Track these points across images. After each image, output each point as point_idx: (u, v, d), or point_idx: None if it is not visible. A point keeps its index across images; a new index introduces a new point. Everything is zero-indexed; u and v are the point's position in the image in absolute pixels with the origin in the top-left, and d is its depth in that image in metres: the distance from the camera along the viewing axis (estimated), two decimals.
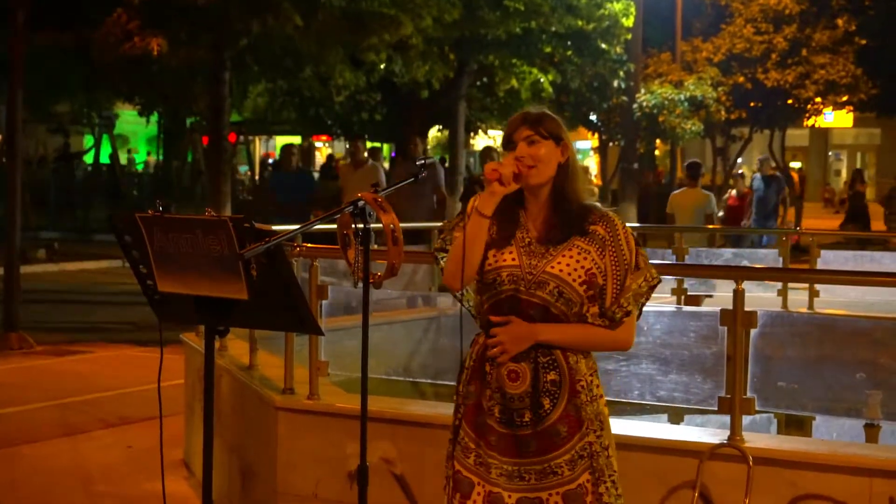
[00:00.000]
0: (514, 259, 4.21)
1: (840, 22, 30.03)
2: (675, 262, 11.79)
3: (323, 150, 53.21)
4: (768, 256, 13.69)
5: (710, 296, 12.78)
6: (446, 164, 26.00)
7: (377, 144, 42.09)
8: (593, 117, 30.16)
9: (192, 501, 7.78)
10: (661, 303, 11.87)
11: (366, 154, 16.68)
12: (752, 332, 5.74)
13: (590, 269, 4.17)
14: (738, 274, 6.46)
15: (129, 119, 44.03)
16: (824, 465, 5.36)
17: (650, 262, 4.24)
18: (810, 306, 11.71)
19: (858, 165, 58.21)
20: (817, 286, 11.63)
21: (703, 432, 5.96)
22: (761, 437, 5.91)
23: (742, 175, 25.91)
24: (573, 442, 4.16)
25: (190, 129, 39.83)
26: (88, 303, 18.95)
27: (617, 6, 23.83)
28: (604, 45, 24.78)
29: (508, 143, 4.29)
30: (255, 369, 7.52)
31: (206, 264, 4.24)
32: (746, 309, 5.72)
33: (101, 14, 17.17)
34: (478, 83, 26.58)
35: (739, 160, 36.16)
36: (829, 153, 61.63)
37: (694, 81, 28.03)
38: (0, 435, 9.74)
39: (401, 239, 4.18)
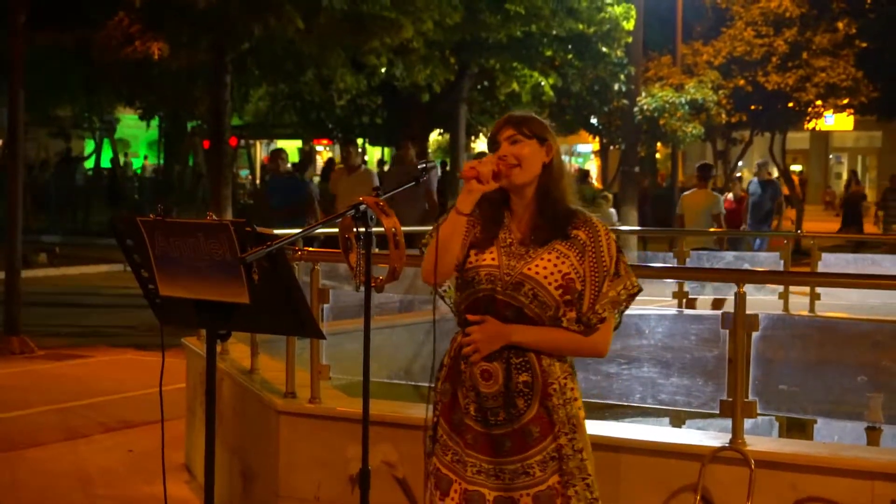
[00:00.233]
0: (493, 259, 4.23)
1: (840, 25, 30.01)
2: (676, 265, 11.81)
3: (324, 153, 53.26)
4: (769, 259, 13.69)
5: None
6: (447, 168, 26.01)
7: (378, 148, 42.17)
8: (594, 121, 30.15)
9: None
10: (662, 306, 11.87)
11: (359, 159, 16.62)
12: (754, 335, 5.73)
13: (567, 274, 4.17)
14: (739, 277, 6.45)
15: (129, 123, 44.10)
16: (826, 468, 5.36)
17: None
18: (811, 309, 11.71)
19: (859, 168, 58.29)
20: (818, 289, 11.63)
21: (704, 435, 5.95)
22: (763, 440, 5.91)
23: (739, 178, 25.93)
24: (545, 443, 4.18)
25: (191, 133, 39.88)
26: (89, 306, 18.96)
27: (617, 9, 23.83)
28: (604, 49, 24.80)
29: (493, 143, 4.31)
30: (256, 373, 7.52)
31: (207, 268, 4.24)
32: (748, 312, 5.72)
33: (101, 15, 17.17)
34: (479, 87, 26.59)
35: (740, 163, 36.17)
36: (830, 156, 61.62)
37: (694, 84, 28.01)
38: (1, 438, 9.73)
39: (402, 242, 4.18)
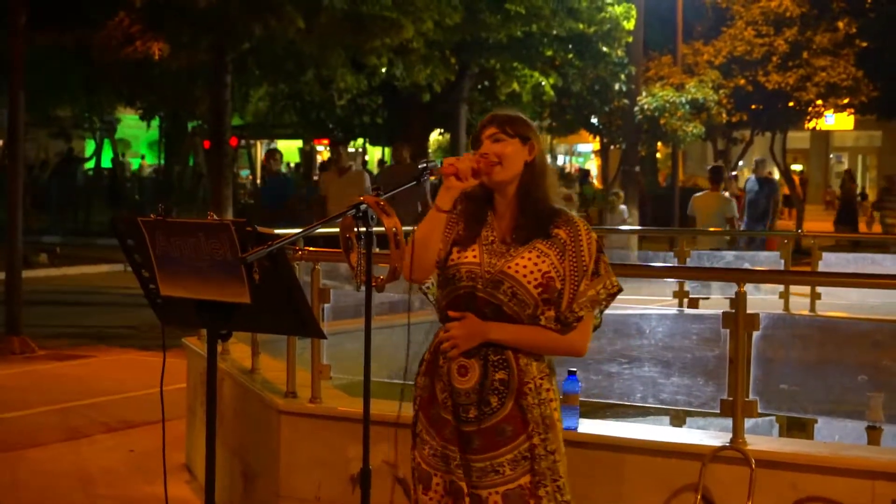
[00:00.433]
0: (475, 257, 4.26)
1: (841, 24, 30.00)
2: (676, 264, 11.81)
3: (324, 153, 53.23)
4: (770, 259, 13.70)
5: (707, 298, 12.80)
6: None
7: (378, 148, 42.17)
8: (594, 120, 30.14)
9: None
10: (663, 306, 11.88)
11: (349, 160, 16.50)
12: (755, 334, 5.73)
13: (547, 273, 4.19)
14: (739, 276, 6.45)
15: (130, 123, 44.11)
16: (826, 467, 5.36)
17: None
18: (812, 309, 11.71)
19: (859, 168, 58.31)
20: (819, 288, 11.63)
21: (705, 435, 5.95)
22: (763, 439, 5.91)
23: (735, 177, 25.94)
24: (517, 442, 4.19)
25: (191, 133, 39.88)
26: (90, 306, 18.96)
27: (618, 9, 23.84)
28: (605, 49, 24.81)
29: (476, 140, 4.34)
30: (257, 373, 7.52)
31: (208, 268, 4.25)
32: (748, 312, 5.72)
33: (100, 15, 17.17)
34: (479, 87, 26.59)
35: (741, 163, 36.17)
36: (831, 155, 61.61)
37: (695, 84, 28.01)
38: (2, 439, 9.74)
39: (403, 242, 4.19)
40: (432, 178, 4.28)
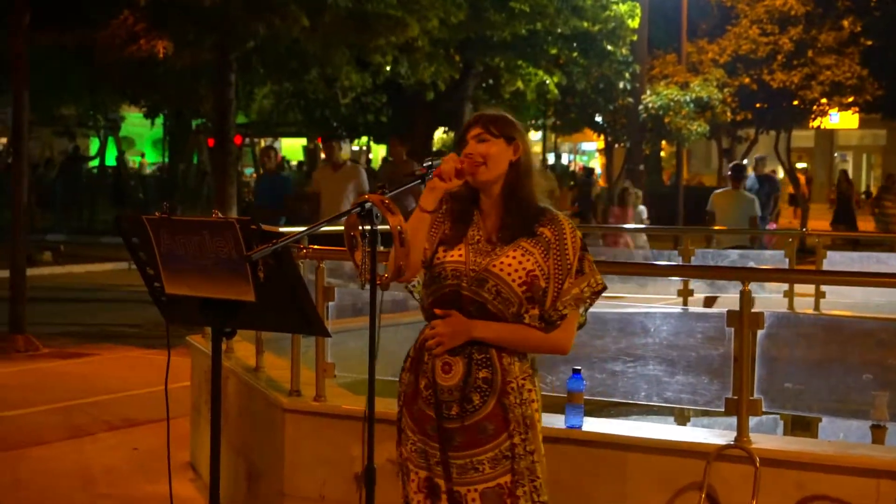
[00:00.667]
0: (461, 256, 4.29)
1: (846, 23, 30.01)
2: (681, 262, 11.80)
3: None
4: (774, 257, 13.68)
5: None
6: None
7: (382, 146, 42.14)
8: (599, 119, 30.18)
9: (198, 503, 7.78)
10: (667, 304, 11.86)
11: (343, 155, 16.31)
12: (759, 333, 5.73)
13: (531, 271, 4.22)
14: (744, 275, 6.45)
15: (134, 121, 44.14)
16: (831, 466, 5.35)
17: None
18: (816, 307, 11.69)
19: (864, 167, 58.26)
20: (823, 287, 11.61)
21: (709, 433, 5.95)
22: (768, 438, 5.90)
23: (730, 176, 25.90)
24: (498, 441, 4.22)
25: (195, 132, 39.86)
26: (94, 305, 18.96)
27: (622, 8, 23.85)
28: (609, 47, 24.82)
29: (461, 141, 4.36)
30: (261, 371, 7.52)
31: (213, 266, 4.25)
32: (753, 310, 5.71)
33: (102, 15, 17.18)
34: (483, 85, 26.59)
35: (745, 161, 36.13)
36: (835, 154, 61.57)
37: (699, 83, 28.02)
38: (5, 437, 9.74)
39: (408, 240, 4.19)
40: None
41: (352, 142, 43.89)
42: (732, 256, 13.59)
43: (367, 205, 4.14)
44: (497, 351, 4.23)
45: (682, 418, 8.37)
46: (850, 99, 31.01)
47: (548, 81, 24.55)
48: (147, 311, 12.03)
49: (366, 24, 17.74)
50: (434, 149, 33.77)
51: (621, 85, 26.68)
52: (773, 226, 20.15)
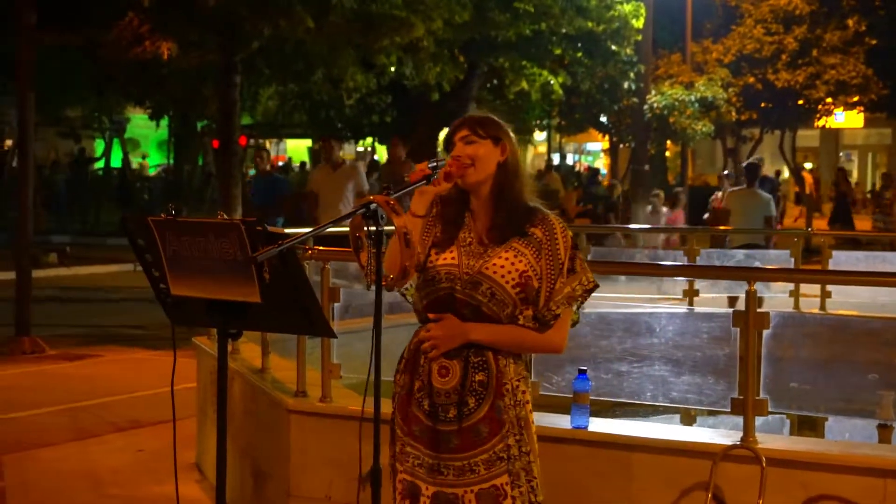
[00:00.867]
0: (453, 258, 4.29)
1: (850, 22, 30.01)
2: (686, 263, 11.80)
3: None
4: (780, 257, 13.68)
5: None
6: None
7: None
8: (604, 119, 30.20)
9: None
10: (673, 304, 11.86)
11: (341, 155, 16.18)
12: (765, 332, 5.73)
13: (525, 272, 4.23)
14: (749, 275, 6.44)
15: (139, 123, 44.10)
16: (837, 465, 5.35)
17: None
18: (822, 307, 11.69)
19: (869, 166, 58.18)
20: (829, 287, 11.61)
21: (715, 433, 5.95)
22: (774, 438, 5.90)
23: (727, 175, 25.95)
24: (493, 442, 4.22)
25: (200, 133, 39.88)
26: (100, 306, 18.97)
27: (627, 7, 23.83)
28: (614, 47, 24.80)
29: (448, 143, 4.39)
30: (267, 372, 7.52)
31: (218, 267, 4.25)
32: (759, 310, 5.71)
33: (106, 16, 17.18)
34: (488, 85, 26.58)
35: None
36: (840, 153, 61.48)
37: (704, 82, 28.02)
38: (12, 438, 9.75)
39: (413, 241, 4.19)
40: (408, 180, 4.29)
41: (356, 143, 43.88)
42: (738, 256, 13.59)
43: (373, 206, 4.14)
44: (493, 353, 4.24)
45: (688, 418, 8.36)
46: (855, 98, 31.02)
47: (552, 82, 24.53)
48: (152, 313, 12.03)
49: (371, 25, 17.74)
50: (438, 149, 33.79)
51: (626, 85, 26.66)
52: (777, 226, 20.14)
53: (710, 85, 27.93)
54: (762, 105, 30.52)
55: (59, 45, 20.07)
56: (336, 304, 6.93)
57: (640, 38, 25.10)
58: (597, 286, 4.34)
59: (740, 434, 5.59)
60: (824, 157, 59.45)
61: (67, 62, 24.54)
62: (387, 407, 4.34)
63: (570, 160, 57.72)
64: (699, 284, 11.65)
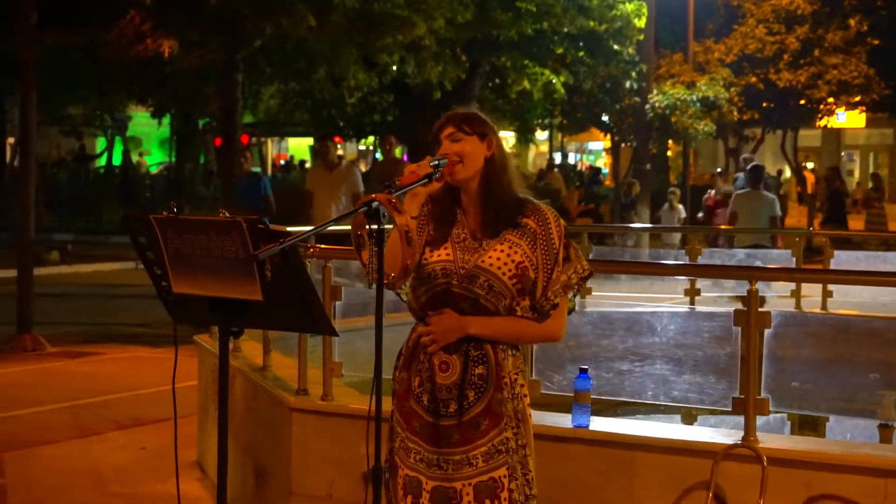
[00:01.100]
0: (448, 254, 4.32)
1: (852, 22, 29.99)
2: (687, 262, 11.79)
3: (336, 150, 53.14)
4: (782, 257, 13.69)
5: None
6: None
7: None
8: (605, 118, 30.17)
9: (205, 502, 7.79)
10: (674, 303, 11.86)
11: (337, 155, 16.15)
12: (766, 332, 5.73)
13: (521, 263, 4.25)
14: (751, 274, 6.44)
15: (141, 121, 44.09)
16: (838, 465, 5.35)
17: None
18: (823, 307, 11.69)
19: (871, 166, 58.17)
20: (830, 286, 11.61)
21: (716, 433, 5.95)
22: (775, 437, 5.90)
23: (721, 174, 25.95)
24: (491, 435, 4.23)
25: (202, 131, 39.89)
26: (101, 304, 18.97)
27: (629, 7, 23.83)
28: (616, 46, 24.80)
29: (434, 141, 4.41)
30: (268, 370, 7.52)
31: (220, 265, 4.25)
32: (760, 309, 5.71)
33: (108, 14, 17.19)
34: (490, 84, 26.60)
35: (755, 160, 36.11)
36: (842, 153, 61.47)
37: (706, 82, 28.00)
38: (14, 436, 9.76)
39: (415, 240, 4.20)
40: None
41: (358, 141, 43.89)
42: (739, 256, 13.60)
43: (374, 204, 4.14)
44: (492, 346, 4.27)
45: (689, 418, 8.36)
46: (857, 98, 31.00)
47: (554, 81, 24.55)
48: (154, 311, 12.01)
49: (372, 24, 17.75)
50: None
51: (628, 84, 26.66)
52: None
53: (711, 84, 27.91)
54: (764, 105, 30.50)
55: (59, 44, 20.05)
56: (338, 303, 6.93)
57: (641, 37, 25.11)
58: (591, 273, 4.39)
59: (741, 433, 5.59)
60: (826, 157, 59.42)
61: (68, 61, 24.54)
62: (388, 405, 4.35)
63: (571, 159, 57.70)
64: (701, 284, 11.66)
